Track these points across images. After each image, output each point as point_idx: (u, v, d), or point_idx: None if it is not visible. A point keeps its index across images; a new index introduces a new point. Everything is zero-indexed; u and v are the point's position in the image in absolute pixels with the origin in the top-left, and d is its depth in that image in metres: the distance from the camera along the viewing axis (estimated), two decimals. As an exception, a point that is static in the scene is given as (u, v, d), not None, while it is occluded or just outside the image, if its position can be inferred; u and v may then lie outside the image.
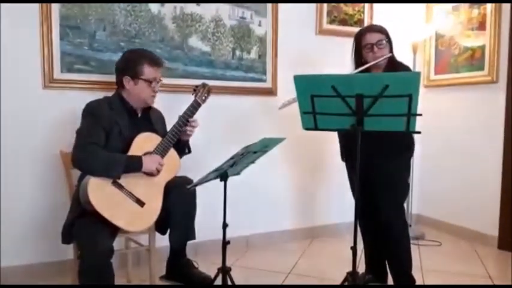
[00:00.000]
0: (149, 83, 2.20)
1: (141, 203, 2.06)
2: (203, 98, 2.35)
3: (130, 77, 2.18)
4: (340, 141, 2.47)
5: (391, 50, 2.31)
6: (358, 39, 2.33)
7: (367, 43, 2.27)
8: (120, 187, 2.03)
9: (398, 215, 2.34)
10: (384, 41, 2.26)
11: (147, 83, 2.19)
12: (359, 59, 2.34)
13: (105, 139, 2.08)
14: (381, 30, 2.31)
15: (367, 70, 2.25)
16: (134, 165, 2.05)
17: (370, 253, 2.55)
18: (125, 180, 2.03)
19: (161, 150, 2.16)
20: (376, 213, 2.35)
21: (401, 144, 2.30)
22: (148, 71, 2.19)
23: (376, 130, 1.84)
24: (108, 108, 2.15)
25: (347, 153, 2.43)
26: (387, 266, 2.43)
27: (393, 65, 2.29)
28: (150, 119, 2.31)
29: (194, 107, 2.30)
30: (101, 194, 1.96)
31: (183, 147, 2.38)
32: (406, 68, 2.32)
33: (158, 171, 2.14)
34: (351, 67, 2.39)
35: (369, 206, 2.41)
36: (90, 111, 2.13)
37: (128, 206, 2.03)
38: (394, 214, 2.32)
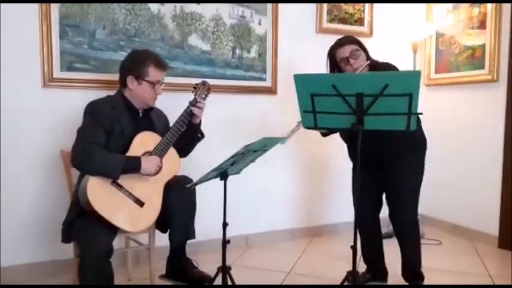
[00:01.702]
0: (152, 85, 2.19)
1: (140, 203, 2.06)
2: (203, 96, 2.35)
3: (134, 77, 2.17)
4: (346, 142, 2.44)
5: (368, 57, 2.28)
6: (331, 55, 2.31)
7: (342, 58, 2.25)
8: (120, 187, 2.02)
9: (412, 215, 2.34)
10: (357, 51, 2.24)
11: (150, 84, 2.19)
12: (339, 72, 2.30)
13: (107, 138, 2.08)
14: (351, 41, 2.28)
15: None
16: (132, 166, 2.04)
17: (369, 253, 2.55)
18: (124, 180, 2.03)
19: (161, 150, 2.15)
20: (392, 213, 2.36)
21: (413, 143, 2.29)
22: (153, 73, 2.18)
23: (377, 129, 1.84)
24: (110, 107, 2.14)
25: (353, 153, 2.40)
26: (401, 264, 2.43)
27: (375, 69, 2.25)
28: (151, 119, 2.30)
29: (194, 105, 2.29)
30: (100, 194, 1.96)
31: (195, 132, 2.37)
32: (388, 68, 2.26)
33: (156, 172, 2.13)
34: None
35: (372, 206, 2.42)
36: (92, 110, 2.12)
37: (127, 206, 2.02)
38: (407, 214, 2.32)
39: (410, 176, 2.31)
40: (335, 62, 2.30)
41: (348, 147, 2.45)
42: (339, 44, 2.29)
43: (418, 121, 2.31)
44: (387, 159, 2.27)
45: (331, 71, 2.34)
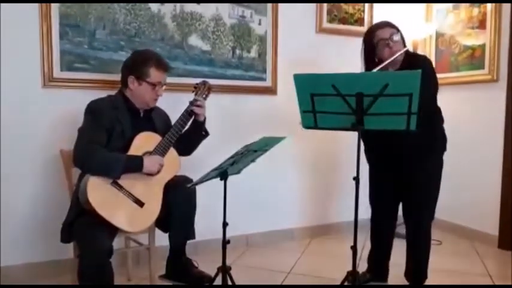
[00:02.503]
0: (153, 86, 2.18)
1: (140, 203, 2.05)
2: (203, 96, 2.35)
3: (135, 77, 2.17)
4: (363, 141, 2.39)
5: (404, 44, 2.22)
6: (369, 37, 2.24)
7: (381, 38, 2.18)
8: (120, 187, 2.02)
9: (428, 222, 2.34)
10: (396, 35, 2.18)
11: (151, 85, 2.18)
12: (373, 58, 2.23)
13: (107, 138, 2.07)
14: (391, 25, 2.23)
15: (384, 68, 2.13)
16: (134, 165, 2.04)
17: (378, 254, 2.55)
18: (124, 180, 2.02)
19: (161, 150, 2.15)
20: (408, 218, 2.36)
21: (435, 144, 2.29)
22: (154, 74, 2.17)
23: (377, 129, 1.84)
24: (111, 107, 2.14)
25: (372, 154, 2.40)
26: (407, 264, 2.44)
27: (410, 58, 2.20)
28: (152, 119, 2.30)
29: (193, 105, 2.29)
30: (100, 194, 1.95)
31: (200, 130, 2.36)
32: (423, 59, 2.24)
33: (158, 172, 2.13)
34: (362, 69, 2.31)
35: (390, 207, 2.41)
36: (92, 109, 2.12)
37: (127, 206, 2.02)
38: (424, 221, 2.32)
39: (431, 182, 2.30)
40: (372, 45, 2.22)
41: (365, 147, 2.41)
42: (379, 26, 2.24)
43: (441, 120, 2.31)
44: (408, 160, 2.26)
45: (366, 56, 2.27)
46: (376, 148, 2.33)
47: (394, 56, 2.12)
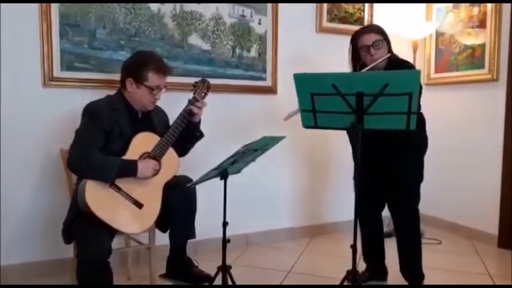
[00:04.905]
0: (151, 90, 2.15)
1: (139, 205, 2.05)
2: (202, 94, 2.32)
3: (133, 79, 2.14)
4: (352, 143, 2.41)
5: (389, 50, 2.25)
6: (354, 41, 2.29)
7: (363, 45, 2.23)
8: (118, 189, 2.00)
9: (413, 206, 2.36)
10: (380, 42, 2.21)
11: (148, 89, 2.14)
12: (357, 61, 2.30)
13: (105, 140, 2.06)
14: (377, 31, 2.25)
15: None
16: (128, 170, 2.02)
17: (370, 251, 2.55)
18: (122, 182, 2.01)
19: (160, 150, 2.13)
20: (392, 205, 2.39)
21: (417, 144, 2.30)
22: (152, 78, 2.14)
23: (377, 128, 1.85)
24: (109, 108, 2.12)
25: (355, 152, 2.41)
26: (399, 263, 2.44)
27: (394, 64, 2.23)
28: (151, 119, 2.28)
29: (193, 104, 2.28)
30: (99, 196, 1.94)
31: (194, 131, 2.35)
32: (407, 65, 2.27)
33: (155, 174, 2.12)
34: (349, 70, 2.36)
35: (373, 204, 2.42)
36: (90, 111, 2.09)
37: (126, 208, 2.01)
38: (408, 205, 2.35)
39: (412, 171, 2.32)
40: (356, 48, 2.27)
41: (353, 148, 2.44)
42: (363, 31, 2.27)
43: (423, 123, 2.32)
44: (390, 158, 2.28)
45: (352, 57, 2.33)
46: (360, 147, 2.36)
47: (373, 64, 2.18)
